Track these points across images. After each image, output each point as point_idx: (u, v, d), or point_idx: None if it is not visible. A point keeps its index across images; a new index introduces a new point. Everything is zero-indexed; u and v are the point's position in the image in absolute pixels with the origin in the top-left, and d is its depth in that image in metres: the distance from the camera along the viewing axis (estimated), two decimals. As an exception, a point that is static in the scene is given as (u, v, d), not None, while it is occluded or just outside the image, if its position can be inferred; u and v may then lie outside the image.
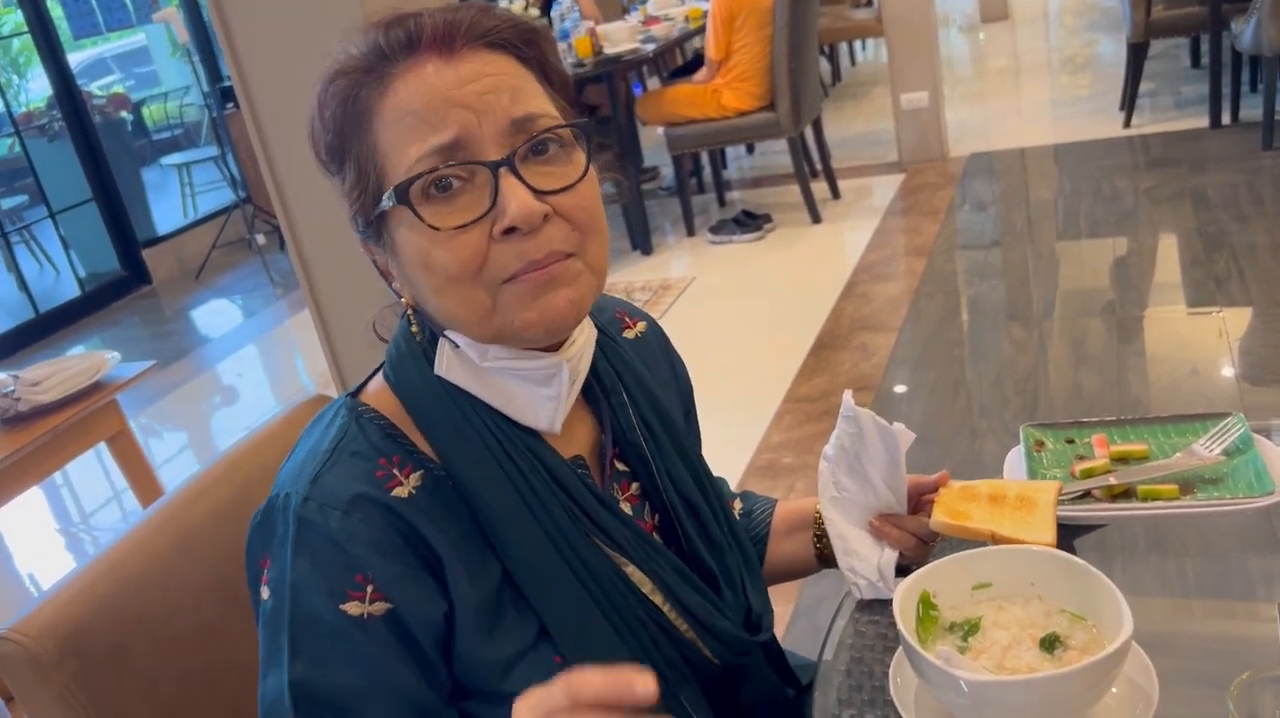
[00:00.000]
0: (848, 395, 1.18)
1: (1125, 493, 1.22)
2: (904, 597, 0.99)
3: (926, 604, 1.02)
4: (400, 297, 1.01)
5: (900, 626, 0.95)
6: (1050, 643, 0.96)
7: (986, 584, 1.04)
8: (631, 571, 1.01)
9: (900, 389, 3.59)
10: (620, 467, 1.09)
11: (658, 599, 1.02)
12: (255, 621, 0.97)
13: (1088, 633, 0.97)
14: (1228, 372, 3.25)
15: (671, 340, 1.25)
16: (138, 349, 5.77)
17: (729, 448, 3.34)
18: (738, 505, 1.30)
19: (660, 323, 1.26)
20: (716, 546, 1.11)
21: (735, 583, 1.10)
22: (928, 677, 0.93)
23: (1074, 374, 3.42)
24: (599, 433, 1.09)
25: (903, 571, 1.18)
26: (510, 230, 0.91)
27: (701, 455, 1.18)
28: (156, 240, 7.23)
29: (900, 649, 1.02)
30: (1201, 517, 1.17)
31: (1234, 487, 1.18)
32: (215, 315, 6.34)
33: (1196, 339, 3.48)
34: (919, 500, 1.20)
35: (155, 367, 2.83)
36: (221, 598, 1.17)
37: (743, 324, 4.39)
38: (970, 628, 1.00)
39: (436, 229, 0.91)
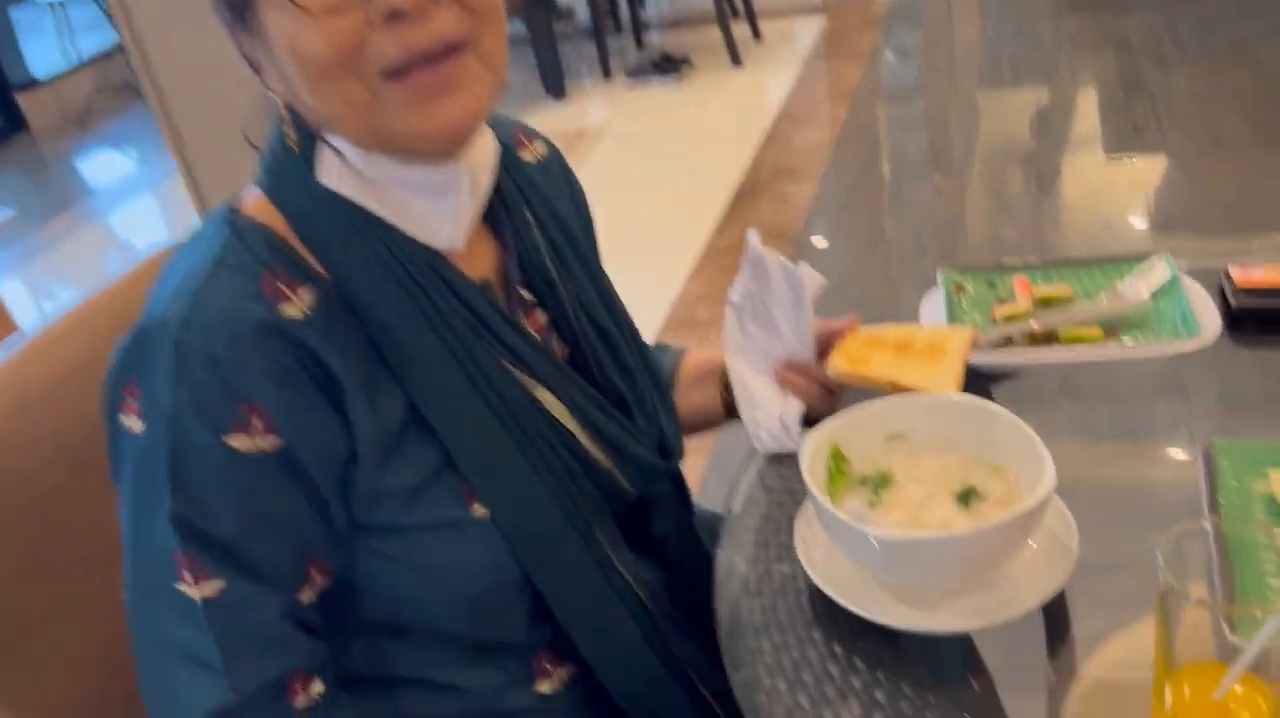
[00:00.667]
0: (752, 236, 1.08)
1: (1048, 338, 1.16)
2: (812, 449, 0.91)
3: (837, 457, 0.95)
4: (271, 91, 0.88)
5: (807, 479, 0.87)
6: (966, 496, 0.90)
7: (901, 435, 0.97)
8: (543, 394, 0.93)
9: (820, 239, 3.51)
10: (526, 295, 0.99)
11: (571, 425, 0.95)
12: (111, 473, 0.86)
13: (1006, 485, 0.91)
14: (1142, 219, 3.23)
15: (586, 192, 1.14)
16: (16, 200, 5.40)
17: (647, 301, 3.25)
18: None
19: (575, 173, 1.13)
20: (628, 370, 1.03)
21: (648, 407, 1.04)
22: (837, 534, 0.86)
23: (993, 223, 3.38)
24: (503, 257, 0.99)
25: (811, 424, 1.11)
26: (394, 16, 0.78)
27: (609, 282, 1.08)
28: (33, 84, 6.70)
29: (807, 504, 0.96)
30: (1126, 362, 1.11)
31: (1159, 330, 1.13)
32: (101, 165, 5.95)
33: (1113, 187, 3.45)
34: (827, 347, 1.13)
35: (16, 219, 2.60)
36: (66, 463, 1.05)
37: (660, 172, 4.24)
38: (882, 481, 0.93)
39: (304, 8, 0.77)
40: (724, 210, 3.74)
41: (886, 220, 3.56)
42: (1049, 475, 0.83)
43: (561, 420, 0.95)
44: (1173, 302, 1.15)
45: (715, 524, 1.06)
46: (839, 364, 1.07)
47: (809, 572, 0.90)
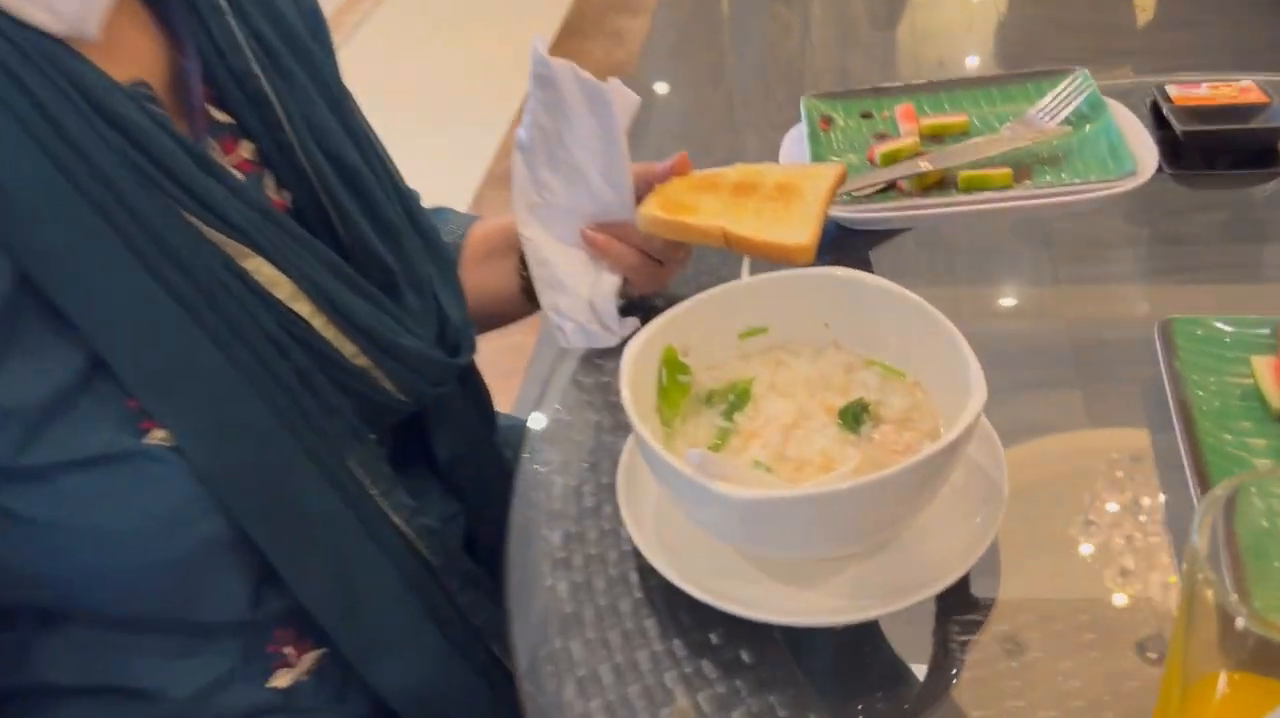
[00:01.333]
0: (538, 43, 0.76)
1: (941, 183, 0.89)
2: (635, 356, 0.62)
3: (672, 366, 0.66)
4: None
5: (628, 404, 0.59)
6: (855, 415, 0.63)
7: (760, 330, 0.68)
8: (256, 264, 0.63)
9: (657, 81, 3.17)
10: (219, 116, 0.66)
11: (302, 307, 0.65)
12: None
13: (908, 396, 0.64)
14: (1010, 46, 3.01)
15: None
16: None
17: (464, 157, 2.86)
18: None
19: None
20: (390, 230, 0.72)
21: (421, 282, 0.73)
22: (672, 488, 0.58)
23: (841, 56, 3.10)
24: (176, 58, 0.64)
25: (634, 309, 0.82)
26: None
27: (356, 106, 0.75)
28: None
29: (629, 443, 0.67)
30: (1043, 210, 0.85)
31: (1083, 167, 0.87)
32: None
33: (967, 10, 3.21)
34: None
35: None
36: None
37: (474, 10, 3.76)
38: (738, 398, 0.65)
39: None
40: (549, 50, 3.33)
41: (729, 56, 3.24)
42: (976, 385, 0.56)
43: (285, 301, 0.64)
44: (1098, 130, 0.89)
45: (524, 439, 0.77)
46: (650, 211, 0.77)
47: (635, 538, 0.62)
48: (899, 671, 0.62)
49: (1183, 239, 0.84)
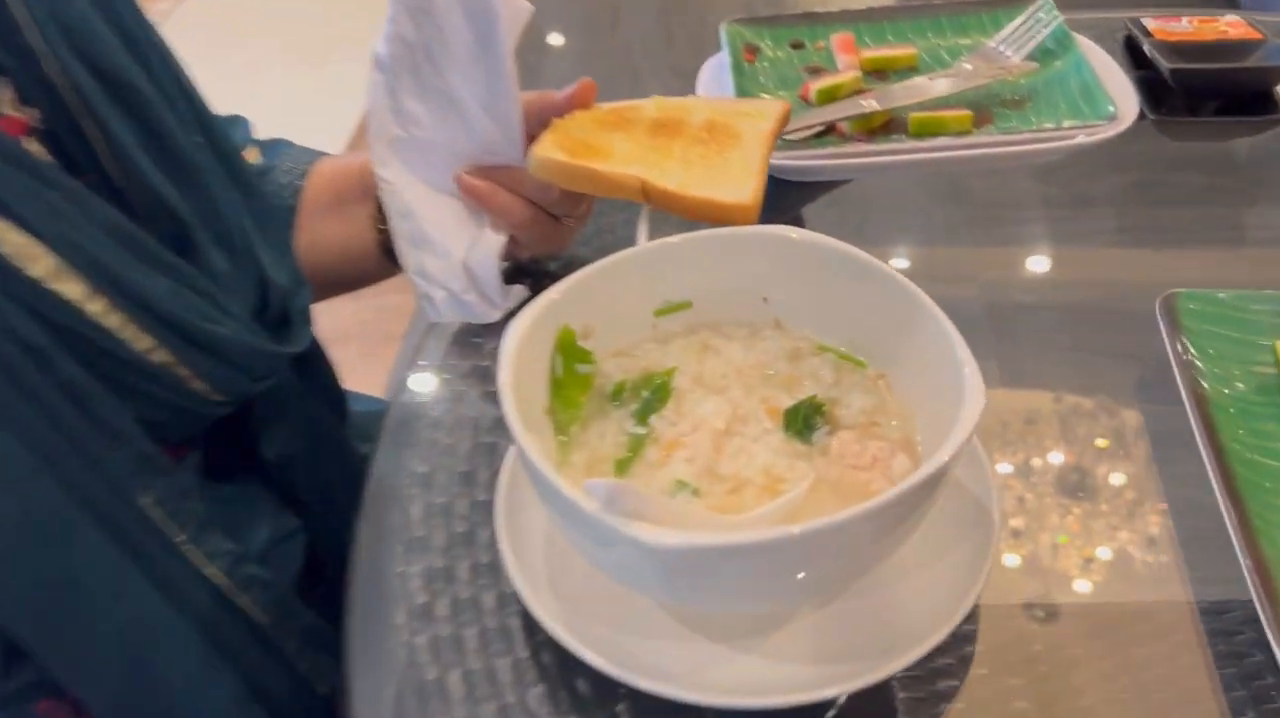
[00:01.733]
0: None
1: (887, 126, 0.75)
2: (520, 343, 0.47)
3: (569, 353, 0.50)
4: None
5: (509, 407, 0.43)
6: (805, 419, 0.49)
7: (681, 305, 0.54)
8: None
9: (545, 29, 2.96)
10: None
11: (72, 291, 0.48)
12: None
13: (871, 393, 0.50)
14: None
15: None
16: None
17: (336, 104, 2.63)
18: (251, 156, 0.71)
19: None
20: (182, 164, 0.54)
21: (232, 235, 0.57)
22: (570, 526, 0.43)
23: None
24: None
25: (521, 275, 0.67)
26: None
27: (137, 9, 0.56)
28: None
29: (512, 452, 0.52)
30: (1009, 160, 0.72)
31: (1053, 110, 0.74)
32: None
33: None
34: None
35: None
36: None
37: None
38: (654, 395, 0.50)
39: None
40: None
41: None
42: (972, 386, 0.43)
43: (45, 281, 0.47)
44: (1068, 68, 0.76)
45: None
46: (546, 154, 0.60)
47: (517, 581, 0.46)
48: None
49: (1169, 197, 0.72)
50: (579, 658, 0.44)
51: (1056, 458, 0.56)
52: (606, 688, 0.45)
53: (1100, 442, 0.56)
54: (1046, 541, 0.52)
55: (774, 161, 0.70)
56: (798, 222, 0.75)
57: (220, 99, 0.63)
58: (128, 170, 0.50)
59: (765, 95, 0.78)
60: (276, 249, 0.60)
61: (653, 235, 0.63)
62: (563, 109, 0.63)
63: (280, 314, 0.58)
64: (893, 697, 0.46)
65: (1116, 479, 0.55)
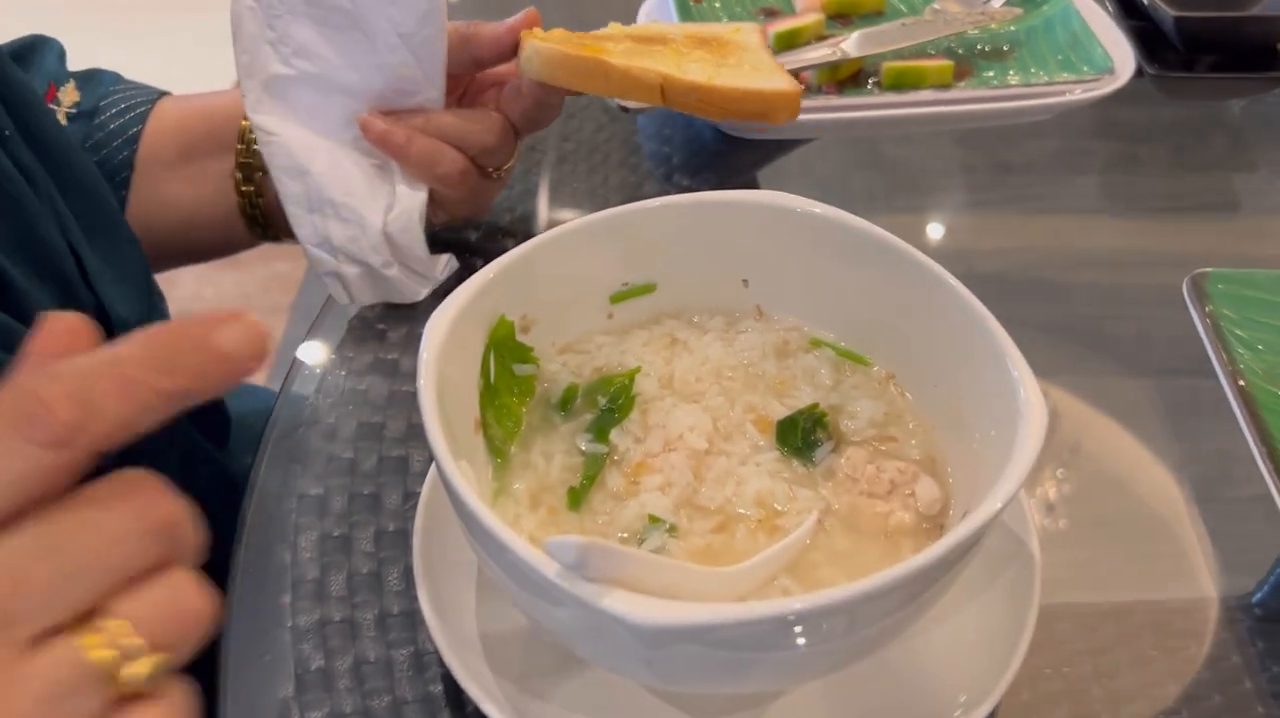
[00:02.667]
0: None
1: (857, 77, 0.65)
2: (444, 338, 0.36)
3: (506, 349, 0.40)
4: None
5: (430, 422, 0.32)
6: (803, 435, 0.39)
7: (643, 289, 0.43)
8: None
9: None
10: None
11: None
12: None
13: (879, 398, 0.41)
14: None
15: None
16: None
17: (207, 55, 2.41)
18: (68, 98, 0.56)
19: None
20: None
21: (60, 264, 0.46)
22: (519, 589, 0.32)
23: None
24: None
25: (445, 246, 0.56)
26: None
27: None
28: None
29: (434, 471, 0.41)
30: (995, 116, 0.63)
31: (1042, 63, 0.65)
32: None
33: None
34: (477, 80, 0.55)
35: None
36: None
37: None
38: (615, 403, 0.40)
39: None
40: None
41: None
42: (1030, 405, 0.33)
43: None
44: (1054, 14, 0.67)
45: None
46: (551, 45, 0.50)
47: (439, 638, 0.36)
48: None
49: (1166, 160, 0.64)
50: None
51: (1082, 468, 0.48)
52: None
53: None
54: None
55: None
56: (754, 184, 0.65)
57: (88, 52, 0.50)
58: None
59: (717, 37, 0.68)
60: (117, 267, 0.47)
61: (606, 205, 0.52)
62: (500, 46, 0.52)
63: (118, 323, 0.45)
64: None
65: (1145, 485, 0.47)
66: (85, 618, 0.23)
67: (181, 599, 0.24)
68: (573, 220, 0.41)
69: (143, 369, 0.23)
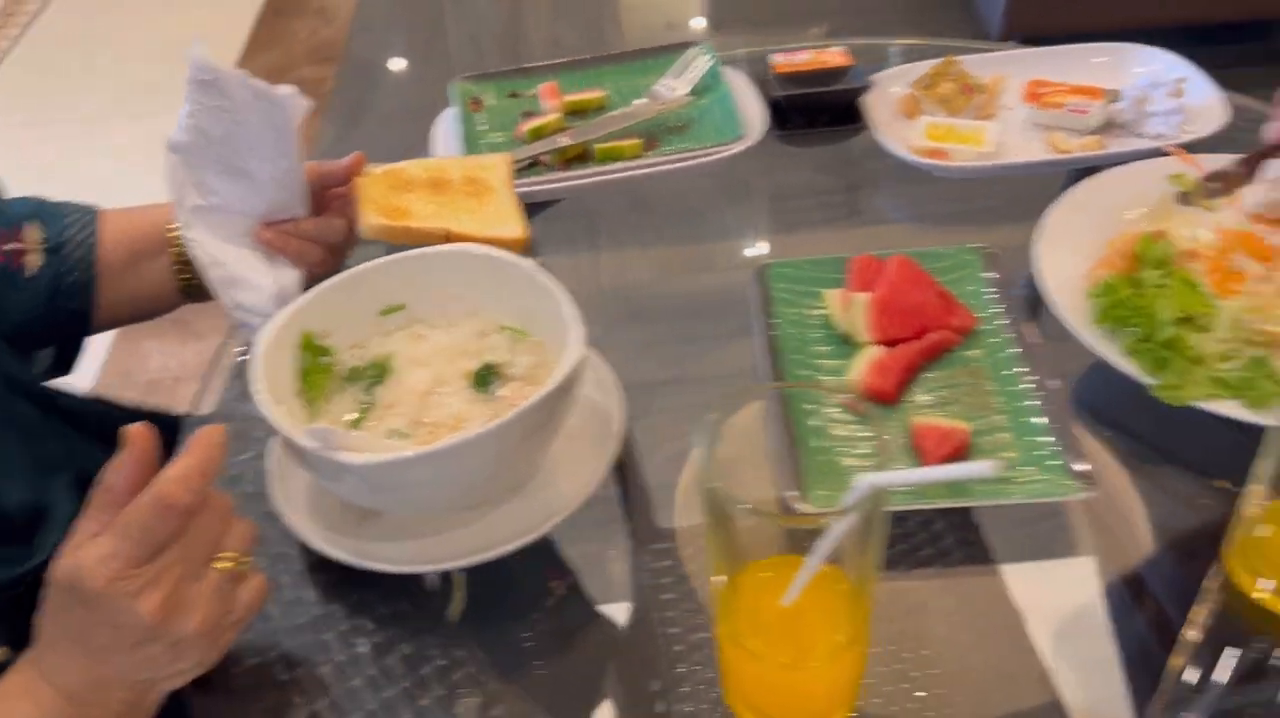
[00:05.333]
0: (198, 49, 0.76)
1: (583, 155, 0.96)
2: (270, 343, 0.66)
3: (312, 349, 0.70)
4: None
5: (256, 388, 0.62)
6: (485, 377, 0.69)
7: (399, 307, 0.74)
8: None
9: (370, 58, 3.12)
10: None
11: None
12: None
13: (534, 354, 0.71)
14: (699, 18, 3.16)
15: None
16: None
17: (154, 158, 2.72)
18: (34, 236, 0.82)
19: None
20: None
21: None
22: (307, 466, 0.63)
23: (552, 26, 3.16)
24: None
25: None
26: None
27: None
28: None
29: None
30: (669, 174, 0.94)
31: (702, 134, 0.96)
32: None
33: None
34: (325, 196, 0.85)
35: None
36: None
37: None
38: (378, 373, 0.70)
39: None
40: (250, 34, 3.22)
41: (448, 20, 3.24)
42: (574, 339, 0.64)
43: None
44: (715, 99, 0.99)
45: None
46: (374, 220, 0.81)
47: (291, 524, 0.66)
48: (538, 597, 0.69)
49: (788, 192, 0.96)
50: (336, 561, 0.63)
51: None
52: (357, 577, 0.65)
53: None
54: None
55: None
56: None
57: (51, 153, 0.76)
58: None
59: (483, 139, 0.99)
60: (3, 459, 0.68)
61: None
62: (340, 176, 0.83)
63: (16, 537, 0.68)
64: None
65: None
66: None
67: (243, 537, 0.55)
68: (352, 269, 0.72)
69: None
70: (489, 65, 1.12)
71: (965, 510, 0.67)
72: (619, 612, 0.65)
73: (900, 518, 0.66)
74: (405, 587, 0.66)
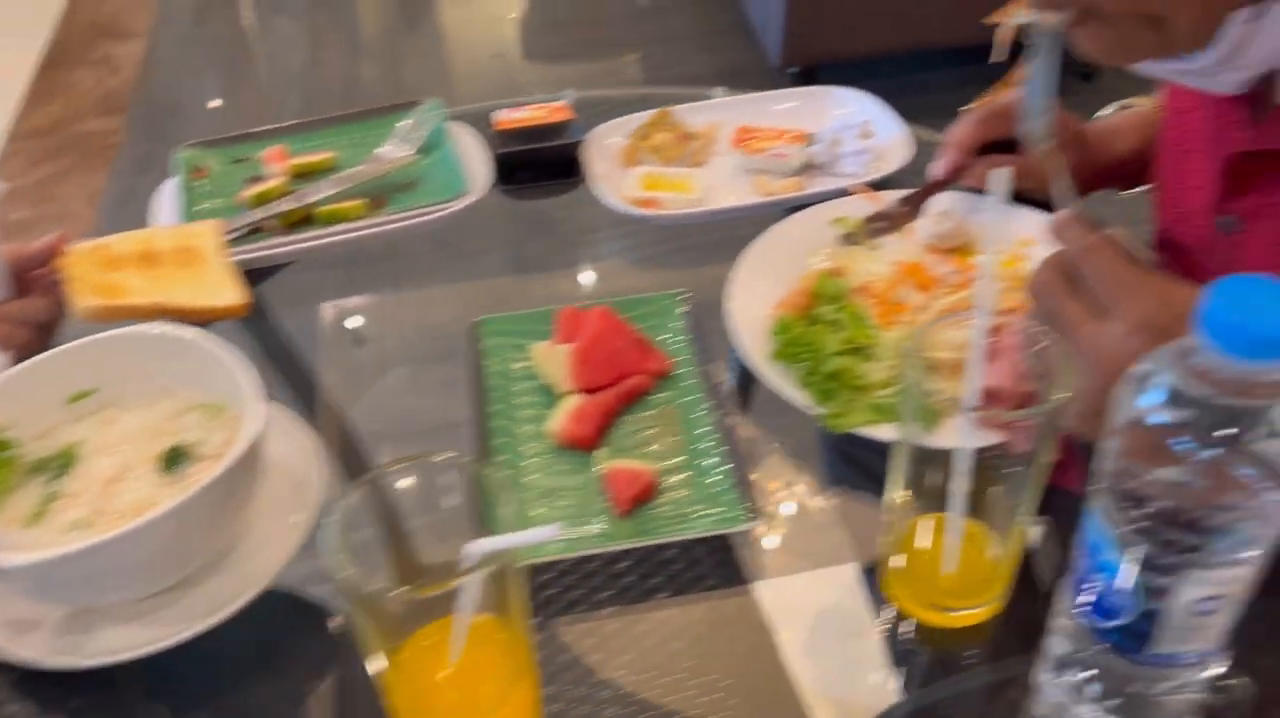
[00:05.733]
0: None
1: (309, 218, 0.97)
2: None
3: (-8, 444, 0.68)
4: None
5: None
6: (174, 459, 0.69)
7: (88, 392, 0.73)
8: None
9: (164, 109, 3.03)
10: None
11: None
12: None
13: (228, 429, 0.71)
14: (516, 53, 3.19)
15: None
16: None
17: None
18: None
19: None
20: None
21: None
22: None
23: (349, 65, 3.14)
24: None
25: None
26: None
27: None
28: None
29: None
30: (391, 234, 0.96)
31: (427, 192, 0.98)
32: None
33: (488, 18, 3.36)
34: (27, 279, 0.84)
35: None
36: None
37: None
38: (63, 462, 0.69)
39: None
40: (29, 85, 3.08)
41: (239, 79, 3.16)
42: (252, 411, 0.65)
43: None
44: (439, 157, 1.01)
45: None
46: (88, 302, 0.81)
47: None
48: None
49: (507, 246, 0.99)
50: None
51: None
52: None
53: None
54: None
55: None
56: (260, 297, 0.95)
57: None
58: None
59: (209, 204, 0.98)
60: None
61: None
62: (43, 257, 0.82)
63: None
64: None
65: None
66: None
67: None
68: (35, 358, 0.70)
69: None
70: (285, 115, 1.13)
71: (655, 547, 0.71)
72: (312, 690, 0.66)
73: (587, 559, 0.69)
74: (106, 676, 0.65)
